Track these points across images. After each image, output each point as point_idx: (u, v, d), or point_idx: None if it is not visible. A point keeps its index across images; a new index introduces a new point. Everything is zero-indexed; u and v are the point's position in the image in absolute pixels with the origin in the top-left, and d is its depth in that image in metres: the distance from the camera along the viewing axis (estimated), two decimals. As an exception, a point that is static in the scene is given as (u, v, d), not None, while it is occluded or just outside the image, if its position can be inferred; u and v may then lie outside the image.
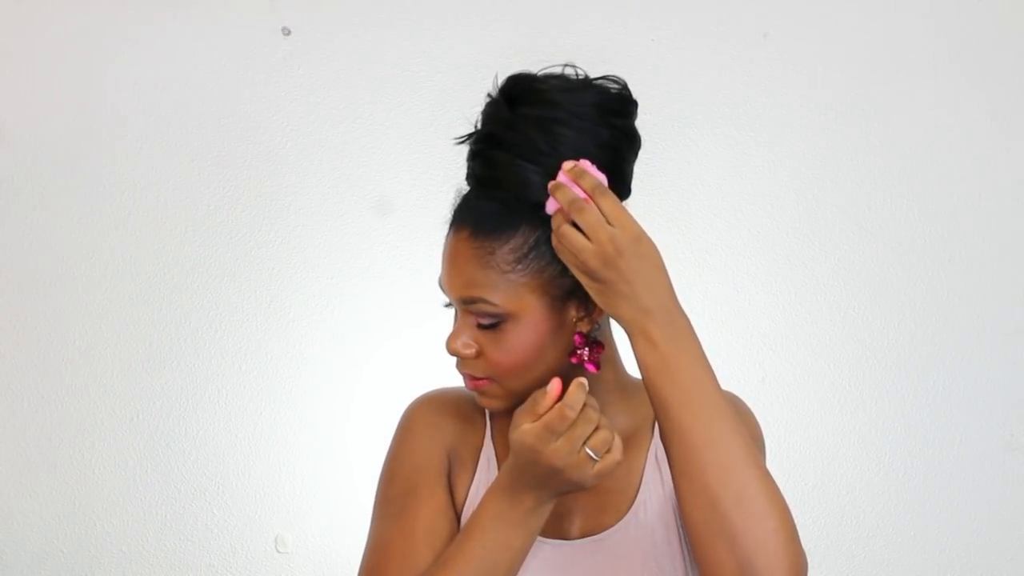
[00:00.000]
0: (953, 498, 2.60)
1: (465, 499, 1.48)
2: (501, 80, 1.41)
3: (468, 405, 1.52)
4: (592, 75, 1.42)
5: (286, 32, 2.56)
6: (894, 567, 2.60)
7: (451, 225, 1.42)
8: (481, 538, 1.35)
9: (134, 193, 2.55)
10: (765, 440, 1.52)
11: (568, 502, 1.47)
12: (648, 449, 1.49)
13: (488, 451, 1.50)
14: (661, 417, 1.33)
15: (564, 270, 1.37)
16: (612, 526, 1.46)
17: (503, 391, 1.44)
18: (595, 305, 1.39)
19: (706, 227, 2.55)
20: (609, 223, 1.31)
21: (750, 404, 1.53)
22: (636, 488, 1.47)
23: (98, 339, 2.54)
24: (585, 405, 1.30)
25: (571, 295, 1.40)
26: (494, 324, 1.40)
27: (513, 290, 1.39)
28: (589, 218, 1.31)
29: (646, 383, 1.34)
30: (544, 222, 1.37)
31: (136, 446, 2.55)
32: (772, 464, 1.41)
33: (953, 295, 2.59)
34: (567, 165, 1.32)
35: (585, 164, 1.34)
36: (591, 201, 1.32)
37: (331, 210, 2.57)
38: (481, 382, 1.43)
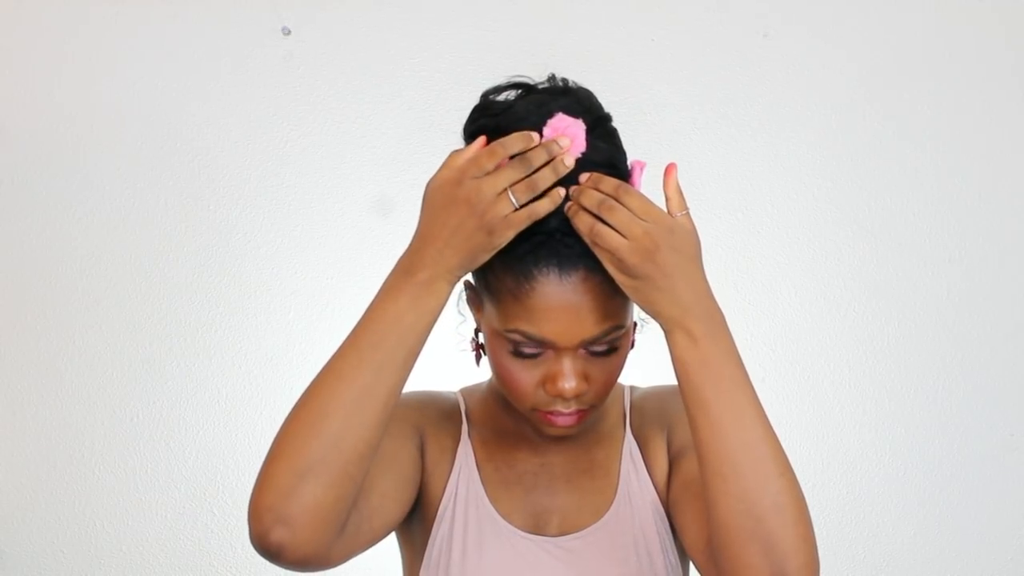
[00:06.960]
0: (953, 497, 2.60)
1: (443, 493, 1.46)
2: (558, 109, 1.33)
3: (447, 405, 1.52)
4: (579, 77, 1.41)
5: (286, 32, 2.56)
6: (894, 567, 2.60)
7: (543, 275, 1.32)
8: (371, 312, 1.32)
9: (134, 193, 2.55)
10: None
11: (544, 501, 1.47)
12: (623, 446, 1.49)
13: (466, 448, 1.48)
14: (698, 416, 1.29)
15: None
16: (592, 524, 1.46)
17: (593, 412, 1.42)
18: None
19: (705, 227, 2.52)
20: (641, 219, 1.28)
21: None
22: (615, 487, 1.47)
23: (98, 339, 2.54)
24: (524, 153, 1.26)
25: None
26: (614, 346, 1.37)
27: (629, 302, 1.36)
28: (621, 216, 1.27)
29: (682, 379, 1.30)
30: None
31: (136, 446, 2.55)
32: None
33: (953, 295, 2.59)
34: (583, 176, 1.29)
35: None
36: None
37: (331, 210, 2.57)
38: (586, 412, 1.40)
